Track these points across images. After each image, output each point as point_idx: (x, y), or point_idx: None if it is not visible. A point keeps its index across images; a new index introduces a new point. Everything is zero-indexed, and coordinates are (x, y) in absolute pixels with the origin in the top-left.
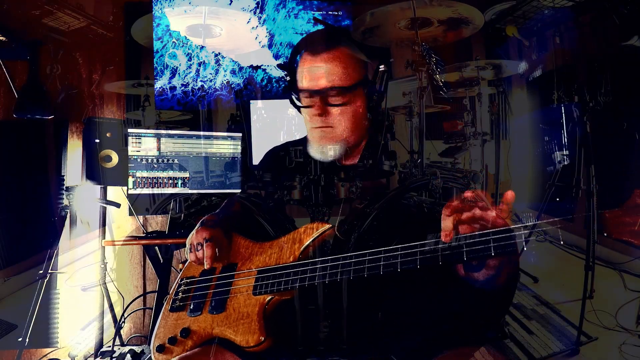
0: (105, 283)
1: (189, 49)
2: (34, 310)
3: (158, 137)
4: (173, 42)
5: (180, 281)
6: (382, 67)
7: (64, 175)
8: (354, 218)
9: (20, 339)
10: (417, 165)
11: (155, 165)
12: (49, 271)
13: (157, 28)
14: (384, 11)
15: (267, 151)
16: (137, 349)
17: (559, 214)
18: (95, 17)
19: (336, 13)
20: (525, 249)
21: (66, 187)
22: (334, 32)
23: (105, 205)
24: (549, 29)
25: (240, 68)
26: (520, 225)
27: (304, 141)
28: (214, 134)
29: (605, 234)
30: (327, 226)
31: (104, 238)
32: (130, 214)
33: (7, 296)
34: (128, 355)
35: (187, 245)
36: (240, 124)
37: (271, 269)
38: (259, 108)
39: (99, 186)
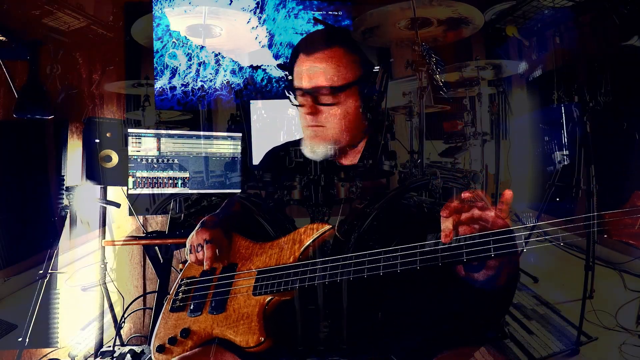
0: (105, 283)
1: (189, 49)
2: (34, 310)
3: (158, 137)
4: (173, 42)
5: (181, 281)
6: (376, 68)
7: (64, 175)
8: (354, 218)
9: (20, 339)
10: (417, 165)
11: (155, 165)
12: (49, 271)
13: (157, 28)
14: (384, 11)
15: (267, 151)
16: (137, 349)
17: (559, 214)
18: (95, 17)
19: (336, 13)
20: (525, 250)
21: (66, 187)
22: (334, 32)
23: (105, 205)
24: (549, 29)
25: (240, 68)
26: (520, 227)
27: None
28: (214, 134)
29: (605, 235)
30: (328, 227)
31: (104, 238)
32: (130, 214)
33: (7, 296)
34: (128, 355)
35: (187, 246)
36: (240, 124)
37: (271, 270)
38: (259, 108)
39: (99, 186)
